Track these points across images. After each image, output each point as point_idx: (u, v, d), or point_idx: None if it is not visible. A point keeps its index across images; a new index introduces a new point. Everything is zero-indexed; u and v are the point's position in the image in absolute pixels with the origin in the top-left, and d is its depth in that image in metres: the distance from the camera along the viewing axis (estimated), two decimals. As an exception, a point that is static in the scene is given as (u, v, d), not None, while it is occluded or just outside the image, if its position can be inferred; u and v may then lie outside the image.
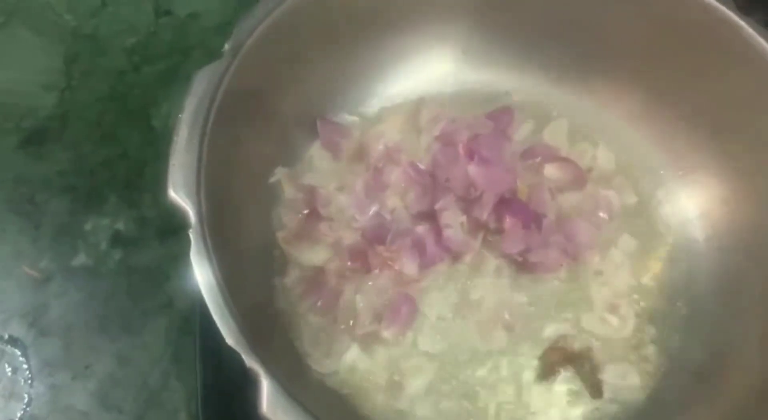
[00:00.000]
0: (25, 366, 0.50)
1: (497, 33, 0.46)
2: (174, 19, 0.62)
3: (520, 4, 0.45)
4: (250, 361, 0.30)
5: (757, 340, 0.38)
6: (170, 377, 0.51)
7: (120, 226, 0.55)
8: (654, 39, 0.43)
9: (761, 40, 0.38)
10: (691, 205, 0.45)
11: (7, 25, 0.61)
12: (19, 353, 0.50)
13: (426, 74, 0.47)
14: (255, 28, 0.37)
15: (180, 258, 0.54)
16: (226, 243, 0.34)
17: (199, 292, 0.48)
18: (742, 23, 0.39)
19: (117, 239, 0.54)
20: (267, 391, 0.29)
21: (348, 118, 0.46)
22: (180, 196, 0.33)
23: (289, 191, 0.43)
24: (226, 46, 0.36)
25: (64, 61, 0.60)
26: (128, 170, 0.57)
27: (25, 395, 0.49)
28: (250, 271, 0.38)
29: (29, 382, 0.49)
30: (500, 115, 0.47)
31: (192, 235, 0.33)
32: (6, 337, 0.51)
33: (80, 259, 0.54)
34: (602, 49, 0.45)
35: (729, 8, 0.39)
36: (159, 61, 0.61)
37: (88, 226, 0.55)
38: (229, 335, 0.31)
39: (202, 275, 0.32)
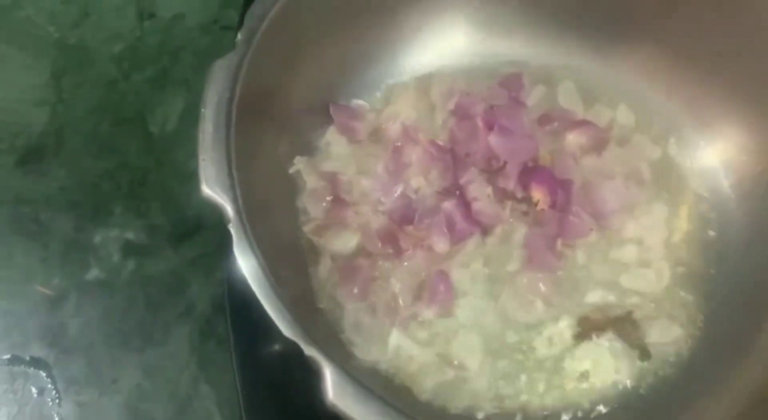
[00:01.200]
0: (50, 386, 0.49)
1: (504, 2, 0.46)
2: (158, 22, 0.61)
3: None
4: (310, 350, 0.29)
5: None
6: (199, 382, 0.50)
7: (130, 235, 0.54)
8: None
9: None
10: (714, 155, 0.46)
11: (-13, 44, 0.59)
12: (44, 374, 0.49)
13: (434, 49, 0.47)
14: (265, 16, 0.37)
15: (196, 262, 0.54)
16: (260, 237, 0.34)
17: (222, 292, 0.48)
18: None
19: (128, 250, 0.53)
20: (331, 379, 0.29)
21: (360, 102, 0.45)
22: (215, 191, 0.33)
23: (310, 180, 0.42)
24: (239, 37, 0.36)
25: (52, 74, 0.59)
26: (131, 179, 0.56)
27: (55, 415, 0.48)
28: (285, 263, 0.38)
29: (57, 402, 0.48)
30: (510, 81, 0.47)
31: (233, 229, 0.32)
32: (28, 358, 0.50)
33: (93, 273, 0.53)
34: (608, 7, 0.45)
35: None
36: (148, 66, 0.60)
37: (97, 240, 0.54)
38: (286, 327, 0.30)
39: (248, 269, 0.31)
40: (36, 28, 0.60)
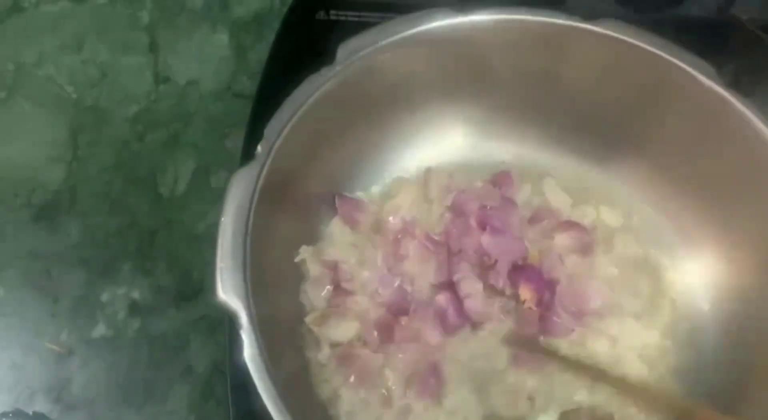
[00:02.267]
0: (53, 442, 0.51)
1: (498, 109, 0.49)
2: (173, 87, 0.64)
3: (518, 83, 0.48)
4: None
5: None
6: (199, 441, 0.53)
7: (136, 295, 0.56)
8: (647, 110, 0.46)
9: (751, 116, 0.42)
10: (693, 265, 0.48)
11: (9, 100, 0.62)
12: (47, 430, 0.51)
13: (434, 147, 0.50)
14: (283, 128, 0.40)
15: (198, 323, 0.56)
16: (264, 327, 0.37)
17: (222, 354, 0.50)
18: (730, 98, 0.42)
19: (134, 308, 0.56)
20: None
21: (363, 194, 0.48)
22: (230, 298, 0.35)
23: (313, 269, 0.45)
24: (259, 149, 0.39)
25: (69, 132, 0.61)
26: (139, 239, 0.58)
27: (56, 470, 0.50)
28: (286, 350, 0.41)
29: (59, 457, 0.51)
30: (500, 179, 0.50)
31: (245, 336, 0.35)
32: (31, 413, 0.52)
33: (100, 331, 0.55)
34: (597, 120, 0.48)
35: (717, 84, 0.43)
36: (161, 129, 0.62)
37: (104, 297, 0.56)
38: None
39: (260, 380, 0.34)
40: (56, 87, 0.63)
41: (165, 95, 0.64)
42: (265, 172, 0.38)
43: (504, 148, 0.51)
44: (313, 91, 0.40)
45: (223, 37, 0.67)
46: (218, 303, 0.36)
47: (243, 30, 0.67)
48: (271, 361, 0.36)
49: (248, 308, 0.35)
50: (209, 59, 0.66)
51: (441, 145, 0.50)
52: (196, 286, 0.57)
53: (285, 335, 0.42)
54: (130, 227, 0.59)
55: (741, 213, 0.45)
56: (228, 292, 0.35)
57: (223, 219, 0.37)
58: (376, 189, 0.50)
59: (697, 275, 0.48)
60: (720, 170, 0.45)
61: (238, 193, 0.38)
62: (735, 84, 0.43)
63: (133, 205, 0.60)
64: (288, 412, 0.33)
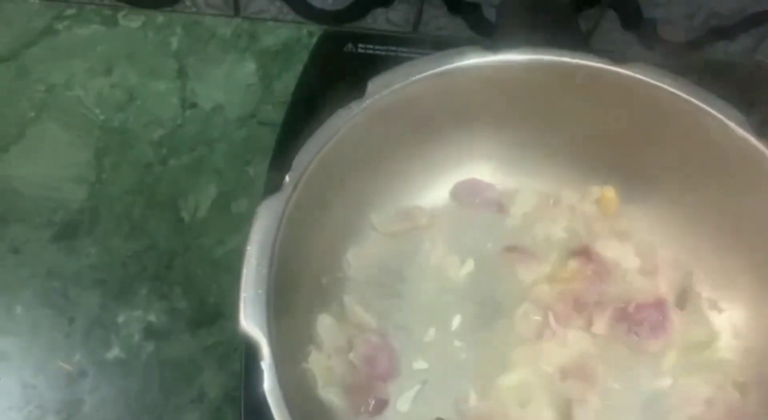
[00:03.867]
0: (61, 464, 0.51)
1: (523, 147, 0.50)
2: (199, 112, 0.65)
3: (544, 122, 0.48)
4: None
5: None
6: (206, 470, 0.52)
7: (152, 318, 0.56)
8: (675, 155, 0.46)
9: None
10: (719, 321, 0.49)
11: (37, 120, 0.63)
12: (56, 451, 0.51)
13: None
14: (312, 160, 0.40)
15: (211, 349, 0.56)
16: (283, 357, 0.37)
17: (234, 381, 0.50)
18: (760, 145, 0.42)
19: (149, 332, 0.56)
20: None
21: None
22: (252, 328, 0.35)
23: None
24: (287, 179, 0.39)
25: (94, 154, 0.62)
26: (157, 262, 0.59)
27: (62, 494, 0.50)
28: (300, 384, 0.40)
29: (66, 480, 0.50)
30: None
31: (265, 367, 0.35)
32: (40, 434, 0.52)
33: (114, 352, 0.55)
34: (623, 163, 0.49)
35: (745, 130, 0.43)
36: (185, 154, 0.63)
37: (120, 319, 0.56)
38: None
39: (279, 414, 0.34)
40: (83, 109, 0.63)
41: (190, 120, 0.64)
42: (292, 202, 0.38)
43: (527, 185, 0.50)
44: (342, 124, 0.41)
45: (250, 66, 0.67)
46: (240, 333, 0.36)
47: (270, 59, 0.68)
48: (288, 394, 0.35)
49: (270, 340, 0.35)
50: (236, 87, 0.66)
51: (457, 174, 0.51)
52: (211, 311, 0.57)
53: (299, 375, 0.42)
54: (148, 250, 0.59)
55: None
56: (250, 323, 0.35)
57: (249, 248, 0.37)
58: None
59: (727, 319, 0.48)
60: (749, 218, 0.45)
61: (265, 221, 0.38)
62: (762, 128, 0.43)
63: (153, 228, 0.60)
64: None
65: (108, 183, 0.61)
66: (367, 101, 0.42)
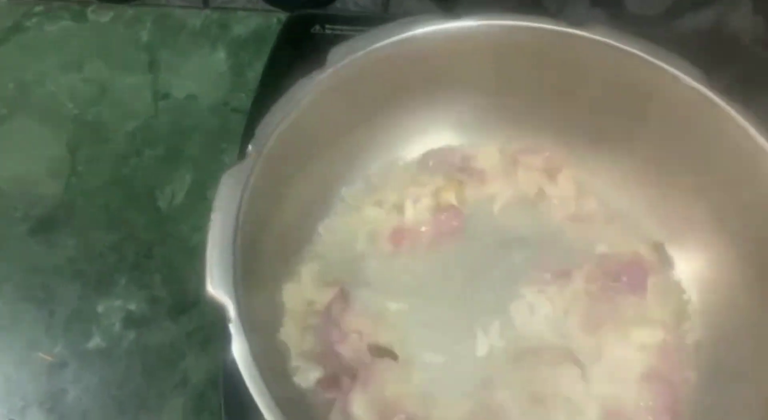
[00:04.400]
0: (46, 453, 0.51)
1: (486, 111, 0.50)
2: (172, 103, 0.65)
3: (505, 85, 0.49)
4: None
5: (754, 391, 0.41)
6: (191, 454, 0.52)
7: (132, 307, 0.56)
8: (633, 111, 0.47)
9: (735, 114, 0.43)
10: (683, 266, 0.49)
11: (11, 116, 0.63)
12: (40, 441, 0.51)
13: (423, 148, 0.51)
14: (275, 128, 0.40)
15: (193, 334, 0.56)
16: (253, 332, 0.37)
17: (217, 370, 0.50)
18: (715, 98, 0.43)
19: (130, 320, 0.56)
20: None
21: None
22: (218, 292, 0.36)
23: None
24: (250, 147, 0.39)
25: (68, 148, 0.62)
26: (136, 252, 0.59)
27: (48, 482, 0.50)
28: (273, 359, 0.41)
29: (52, 468, 0.50)
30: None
31: (233, 329, 0.35)
32: (25, 424, 0.52)
33: (95, 342, 0.55)
34: (584, 121, 0.49)
35: (704, 85, 0.43)
36: (160, 144, 0.63)
37: (100, 309, 0.56)
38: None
39: (246, 369, 0.34)
40: (56, 104, 0.64)
41: (164, 111, 0.64)
42: (257, 170, 0.39)
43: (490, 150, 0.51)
44: (305, 94, 0.41)
45: (221, 55, 0.68)
46: (207, 297, 0.36)
47: (241, 48, 0.68)
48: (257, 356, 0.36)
49: (236, 302, 0.35)
50: (208, 77, 0.67)
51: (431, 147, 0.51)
52: (192, 297, 0.57)
53: (272, 346, 0.42)
54: (127, 240, 0.59)
55: (726, 208, 0.46)
56: (216, 286, 0.35)
57: (213, 215, 0.37)
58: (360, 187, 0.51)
59: (684, 270, 0.48)
60: (706, 169, 0.46)
61: (228, 189, 0.38)
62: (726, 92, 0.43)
63: (131, 218, 0.60)
64: (276, 405, 0.32)
65: (84, 176, 0.61)
66: (328, 70, 0.42)
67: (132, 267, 0.58)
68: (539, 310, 0.46)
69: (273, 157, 0.40)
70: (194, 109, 0.65)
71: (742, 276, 0.45)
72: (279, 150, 0.40)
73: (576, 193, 0.50)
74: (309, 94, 0.41)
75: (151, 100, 0.65)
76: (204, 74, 0.67)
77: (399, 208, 0.49)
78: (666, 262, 0.49)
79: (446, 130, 0.51)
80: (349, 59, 0.42)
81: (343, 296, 0.45)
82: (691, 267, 0.49)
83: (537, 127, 0.51)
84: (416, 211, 0.49)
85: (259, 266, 0.40)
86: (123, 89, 0.65)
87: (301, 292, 0.45)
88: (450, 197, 0.49)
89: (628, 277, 0.47)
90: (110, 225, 0.59)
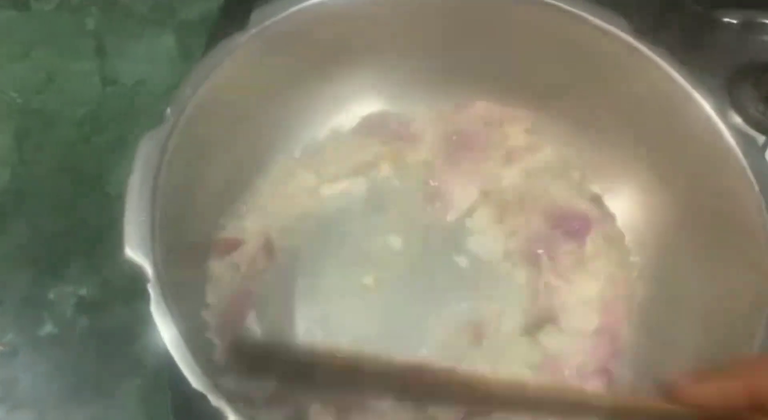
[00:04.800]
0: (-1, 441, 0.50)
1: (413, 72, 0.50)
2: (121, 88, 0.65)
3: (431, 45, 0.48)
4: (217, 402, 0.31)
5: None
6: (147, 435, 0.52)
7: (84, 292, 0.56)
8: (560, 61, 0.47)
9: (656, 57, 0.43)
10: (622, 216, 0.49)
11: (-46, 108, 0.62)
12: (-8, 429, 0.50)
13: (348, 113, 0.51)
14: (195, 91, 0.40)
15: (146, 317, 0.55)
16: (180, 295, 0.36)
17: (165, 346, 0.50)
18: (637, 44, 0.43)
19: (82, 305, 0.55)
20: (235, 428, 0.31)
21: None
22: (136, 253, 0.35)
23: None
24: (168, 110, 0.39)
25: (14, 137, 0.61)
26: (87, 237, 0.58)
27: (2, 471, 0.49)
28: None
29: (5, 456, 0.50)
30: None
31: (151, 289, 0.34)
32: (-24, 414, 0.51)
33: (47, 329, 0.54)
34: (510, 73, 0.49)
35: (625, 32, 0.43)
36: (108, 130, 0.63)
37: (51, 296, 0.56)
38: (195, 380, 0.32)
39: (164, 327, 0.33)
40: (1, 94, 0.63)
41: (112, 97, 0.64)
42: (177, 133, 0.38)
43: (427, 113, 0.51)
44: (226, 55, 0.40)
45: (170, 39, 0.67)
46: (126, 259, 0.35)
47: (190, 31, 0.68)
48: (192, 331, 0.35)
49: (155, 263, 0.35)
50: (157, 61, 0.66)
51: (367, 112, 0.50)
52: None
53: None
54: (78, 226, 0.59)
55: (659, 154, 0.46)
56: (134, 247, 0.35)
57: (130, 178, 0.37)
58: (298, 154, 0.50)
59: (623, 220, 0.48)
60: (637, 116, 0.46)
61: (146, 153, 0.37)
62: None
63: (81, 205, 0.59)
64: (195, 361, 0.32)
65: (31, 164, 0.61)
66: (250, 31, 0.41)
67: (83, 252, 0.58)
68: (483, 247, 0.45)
69: (195, 120, 0.39)
70: (143, 94, 0.64)
71: (679, 220, 0.45)
72: (201, 112, 0.40)
73: (510, 147, 0.49)
74: (229, 56, 0.41)
75: (99, 87, 0.64)
76: (153, 59, 0.66)
77: (336, 177, 0.48)
78: (606, 214, 0.48)
79: (381, 95, 0.51)
80: (272, 21, 0.42)
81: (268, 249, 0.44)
82: (630, 216, 0.49)
83: (470, 86, 0.50)
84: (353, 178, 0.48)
85: (189, 233, 0.39)
86: (70, 76, 0.64)
87: (230, 258, 0.44)
88: (387, 164, 0.48)
89: (569, 226, 0.46)
90: (60, 212, 0.59)
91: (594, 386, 0.43)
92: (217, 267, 0.44)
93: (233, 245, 0.45)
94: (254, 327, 0.43)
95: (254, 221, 0.46)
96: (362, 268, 0.46)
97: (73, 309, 0.55)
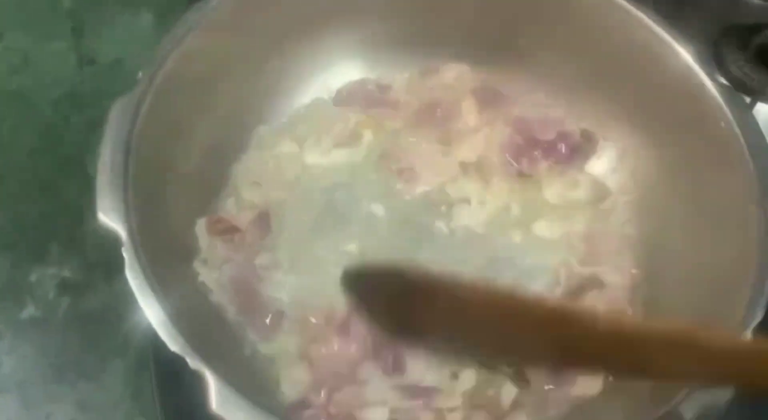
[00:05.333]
0: (-17, 425, 0.49)
1: (387, 36, 0.49)
2: (98, 68, 0.64)
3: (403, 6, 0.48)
4: (195, 364, 0.31)
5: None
6: (134, 416, 0.51)
7: (66, 273, 0.55)
8: (532, 16, 0.47)
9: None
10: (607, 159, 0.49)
11: (-71, 92, 0.61)
12: (-24, 413, 0.49)
13: (330, 79, 0.50)
14: (168, 55, 0.39)
15: (129, 297, 0.54)
16: (157, 260, 0.35)
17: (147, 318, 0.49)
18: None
19: (64, 287, 0.54)
20: (215, 389, 0.30)
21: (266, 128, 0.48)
22: (110, 218, 0.34)
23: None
24: (140, 74, 0.38)
25: (-8, 120, 0.60)
26: (69, 219, 0.57)
27: (-13, 453, 0.49)
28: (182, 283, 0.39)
29: (-11, 440, 0.49)
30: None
31: (125, 253, 0.34)
32: (-40, 398, 0.50)
33: (29, 312, 0.54)
34: (486, 33, 0.48)
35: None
36: (87, 110, 0.62)
37: (33, 278, 0.55)
38: (172, 342, 0.31)
39: (138, 289, 0.33)
40: (-23, 76, 0.62)
41: (90, 77, 0.63)
42: (151, 98, 0.37)
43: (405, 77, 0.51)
44: (200, 18, 0.39)
45: (147, 17, 0.66)
46: (99, 225, 0.35)
47: (168, 10, 0.67)
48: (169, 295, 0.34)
49: (129, 227, 0.34)
50: (134, 40, 0.65)
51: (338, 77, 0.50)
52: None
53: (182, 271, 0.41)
54: (59, 208, 0.58)
55: (640, 100, 0.46)
56: (107, 211, 0.34)
57: (102, 142, 0.36)
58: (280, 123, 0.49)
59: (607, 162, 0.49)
60: (616, 65, 0.46)
61: (117, 118, 0.37)
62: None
63: (62, 186, 0.59)
64: (172, 323, 0.31)
65: (9, 147, 0.60)
66: (226, -5, 0.40)
67: (65, 234, 0.57)
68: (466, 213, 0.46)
69: (169, 85, 0.38)
70: (121, 73, 0.63)
71: (661, 163, 0.45)
72: (175, 78, 0.39)
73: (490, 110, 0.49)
74: (203, 20, 0.40)
75: (76, 67, 0.63)
76: (130, 38, 0.65)
77: (317, 144, 0.47)
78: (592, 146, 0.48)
79: (360, 62, 0.50)
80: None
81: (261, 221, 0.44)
82: (614, 159, 0.49)
83: (449, 49, 0.50)
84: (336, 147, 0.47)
85: (170, 199, 0.38)
86: (46, 57, 0.63)
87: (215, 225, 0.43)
88: (369, 131, 0.48)
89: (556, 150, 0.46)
90: (41, 193, 0.58)
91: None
92: (211, 242, 0.43)
93: (226, 222, 0.45)
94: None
95: (245, 192, 0.45)
96: (347, 236, 0.46)
97: (55, 291, 0.54)
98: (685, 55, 0.42)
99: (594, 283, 0.43)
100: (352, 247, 0.45)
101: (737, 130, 0.39)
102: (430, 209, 0.47)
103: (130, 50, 0.64)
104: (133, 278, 0.33)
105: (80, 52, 0.64)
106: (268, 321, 0.41)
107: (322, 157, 0.47)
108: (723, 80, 0.46)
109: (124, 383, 0.52)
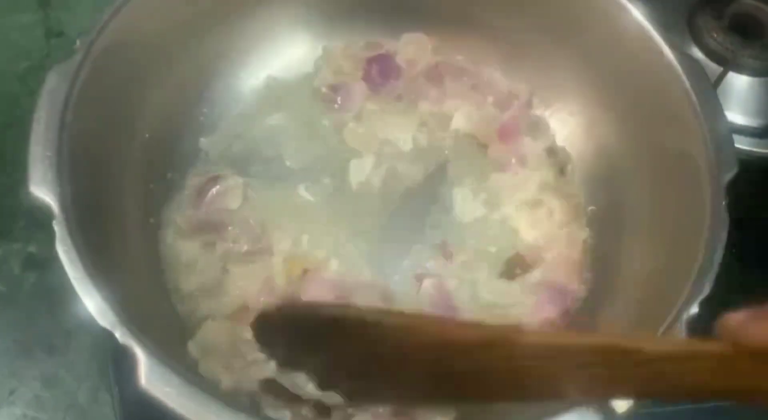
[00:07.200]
0: (-53, 400, 0.49)
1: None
2: (66, 41, 0.62)
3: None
4: (124, 339, 0.30)
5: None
6: (99, 391, 0.51)
7: (32, 249, 0.54)
8: None
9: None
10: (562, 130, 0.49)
11: None
12: (-61, 388, 0.49)
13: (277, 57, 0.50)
14: (108, 22, 0.38)
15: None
16: (99, 234, 0.35)
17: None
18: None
19: (30, 262, 0.54)
20: (144, 365, 0.29)
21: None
22: (41, 190, 0.33)
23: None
24: (78, 43, 0.37)
25: (-44, 93, 0.60)
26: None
27: (-50, 430, 0.48)
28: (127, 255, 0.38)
29: (-47, 415, 0.49)
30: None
31: (56, 226, 0.33)
32: (-76, 375, 0.50)
33: (-6, 287, 0.53)
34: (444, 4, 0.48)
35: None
36: (54, 83, 0.60)
37: (-2, 254, 0.54)
38: (102, 317, 0.31)
39: (69, 264, 0.32)
40: (-60, 50, 0.61)
41: (57, 50, 0.62)
42: (89, 67, 0.36)
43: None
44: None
45: (117, -11, 0.65)
46: (31, 197, 0.34)
47: (138, -19, 0.65)
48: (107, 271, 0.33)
49: (61, 199, 0.33)
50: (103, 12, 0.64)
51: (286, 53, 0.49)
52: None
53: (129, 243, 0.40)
54: (23, 182, 0.57)
55: (597, 68, 0.45)
56: (38, 184, 0.33)
57: (36, 113, 0.35)
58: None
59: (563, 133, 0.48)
60: (577, 37, 0.45)
61: (52, 87, 0.36)
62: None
63: (26, 161, 0.57)
64: (102, 297, 0.30)
65: (-26, 121, 0.59)
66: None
67: (30, 209, 0.55)
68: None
69: (110, 54, 0.37)
70: (89, 45, 0.62)
71: (617, 131, 0.45)
72: (117, 46, 0.38)
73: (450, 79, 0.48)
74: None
75: (43, 39, 0.62)
76: (99, 10, 0.64)
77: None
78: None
79: (312, 31, 0.50)
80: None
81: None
82: (570, 130, 0.48)
83: (406, 17, 0.49)
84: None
85: (114, 170, 0.37)
86: (12, 29, 0.62)
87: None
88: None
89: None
90: (5, 168, 0.57)
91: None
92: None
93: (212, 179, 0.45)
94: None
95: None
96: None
97: (20, 266, 0.54)
98: (637, 14, 0.42)
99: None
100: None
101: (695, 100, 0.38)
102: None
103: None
104: (64, 252, 0.32)
105: (48, 25, 0.63)
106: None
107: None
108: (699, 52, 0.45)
109: (89, 359, 0.51)
